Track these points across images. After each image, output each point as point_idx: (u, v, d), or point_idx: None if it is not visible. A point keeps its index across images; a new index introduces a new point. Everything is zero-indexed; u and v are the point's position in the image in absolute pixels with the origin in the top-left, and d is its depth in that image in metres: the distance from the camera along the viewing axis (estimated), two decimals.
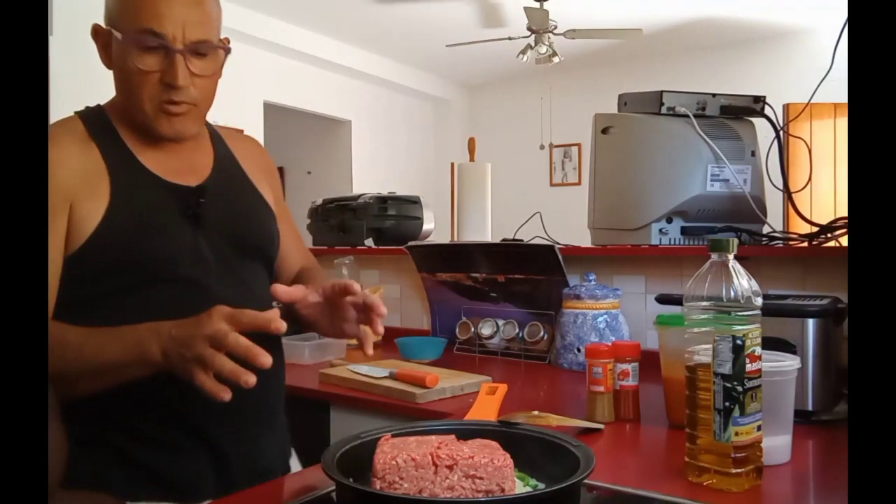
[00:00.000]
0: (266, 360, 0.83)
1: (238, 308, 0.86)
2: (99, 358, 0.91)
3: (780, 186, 1.72)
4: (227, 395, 0.82)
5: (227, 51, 1.06)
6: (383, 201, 2.41)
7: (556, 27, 5.07)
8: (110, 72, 1.06)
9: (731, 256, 0.90)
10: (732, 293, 0.87)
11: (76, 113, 1.09)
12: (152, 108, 1.01)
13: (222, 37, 1.07)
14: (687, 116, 1.67)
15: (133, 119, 1.05)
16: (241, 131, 1.30)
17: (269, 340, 0.91)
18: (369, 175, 6.39)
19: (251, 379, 0.82)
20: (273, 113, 5.59)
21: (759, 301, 0.88)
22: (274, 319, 0.85)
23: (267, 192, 1.18)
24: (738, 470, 0.86)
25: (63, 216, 0.96)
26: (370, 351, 1.00)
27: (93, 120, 1.06)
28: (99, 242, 0.97)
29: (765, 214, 1.74)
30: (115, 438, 0.99)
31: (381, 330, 1.00)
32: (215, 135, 1.18)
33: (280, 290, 0.98)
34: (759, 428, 0.87)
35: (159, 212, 1.02)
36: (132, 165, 1.03)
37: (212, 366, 0.82)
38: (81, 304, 0.97)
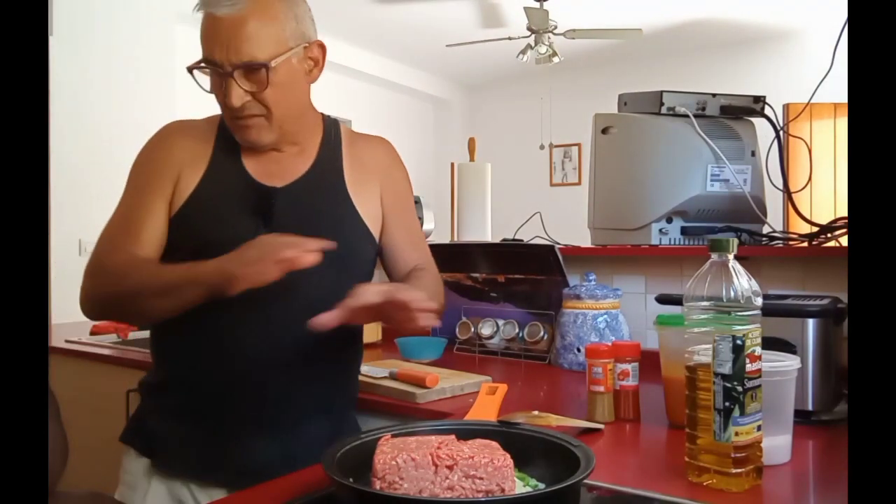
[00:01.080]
0: (309, 257, 0.96)
1: (282, 312, 1.07)
2: (163, 278, 1.05)
3: (780, 186, 1.72)
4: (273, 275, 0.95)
5: (308, 58, 1.13)
6: None
7: (556, 27, 5.07)
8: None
9: (731, 256, 0.90)
10: (732, 293, 0.87)
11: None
12: (230, 123, 1.12)
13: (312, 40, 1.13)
14: (687, 116, 1.67)
15: None
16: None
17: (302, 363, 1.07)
18: None
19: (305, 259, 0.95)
20: None
21: (759, 301, 0.88)
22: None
23: (370, 198, 1.20)
24: (738, 470, 0.86)
25: (171, 184, 1.13)
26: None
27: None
28: (180, 217, 1.13)
29: (765, 214, 1.74)
30: (146, 404, 1.19)
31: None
32: (331, 140, 1.22)
33: (315, 322, 0.97)
34: (759, 428, 0.87)
35: (233, 204, 1.12)
36: (231, 160, 1.15)
37: (270, 253, 0.95)
38: None
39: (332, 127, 1.26)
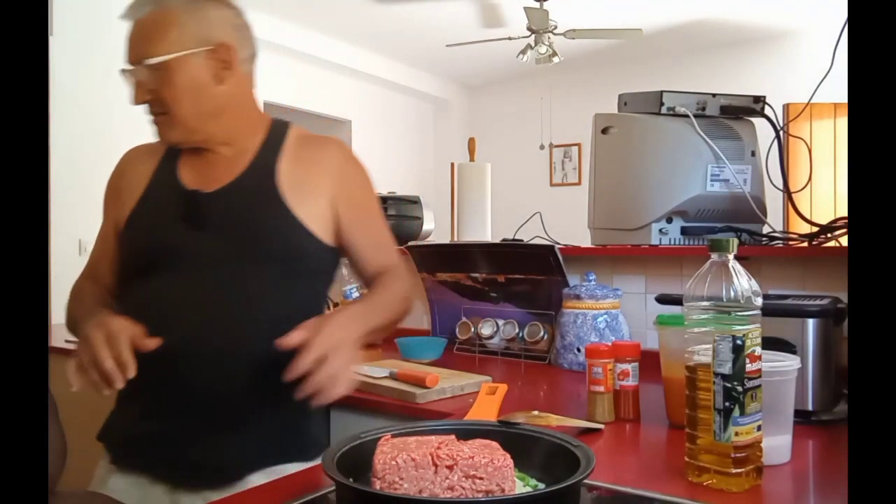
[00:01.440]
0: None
1: (222, 315, 1.08)
2: (77, 314, 1.13)
3: (780, 186, 1.72)
4: (75, 386, 0.99)
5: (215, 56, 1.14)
6: (383, 201, 2.41)
7: (556, 27, 5.07)
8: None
9: (731, 256, 0.90)
10: (732, 293, 0.87)
11: None
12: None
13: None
14: (687, 116, 1.67)
15: None
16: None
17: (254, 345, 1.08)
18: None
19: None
20: (273, 113, 5.47)
21: (759, 301, 0.88)
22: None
23: (315, 199, 1.19)
24: (738, 470, 0.86)
25: (116, 209, 1.22)
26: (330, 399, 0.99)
27: None
28: (122, 235, 1.20)
29: (765, 214, 1.74)
30: (117, 405, 1.20)
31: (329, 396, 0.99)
32: (272, 142, 1.22)
33: (282, 343, 0.98)
34: (759, 428, 0.87)
35: (165, 212, 1.16)
36: (168, 173, 1.21)
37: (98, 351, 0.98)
38: (119, 286, 1.23)
39: (278, 129, 1.26)
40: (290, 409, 1.16)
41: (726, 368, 0.86)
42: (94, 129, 3.74)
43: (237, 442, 1.10)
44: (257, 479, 1.09)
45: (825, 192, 4.93)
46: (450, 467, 0.72)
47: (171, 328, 1.07)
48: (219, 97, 1.16)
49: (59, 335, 2.16)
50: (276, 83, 5.56)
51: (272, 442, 1.12)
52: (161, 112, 1.14)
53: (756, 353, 0.86)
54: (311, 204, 1.18)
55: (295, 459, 1.13)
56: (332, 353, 0.96)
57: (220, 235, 1.13)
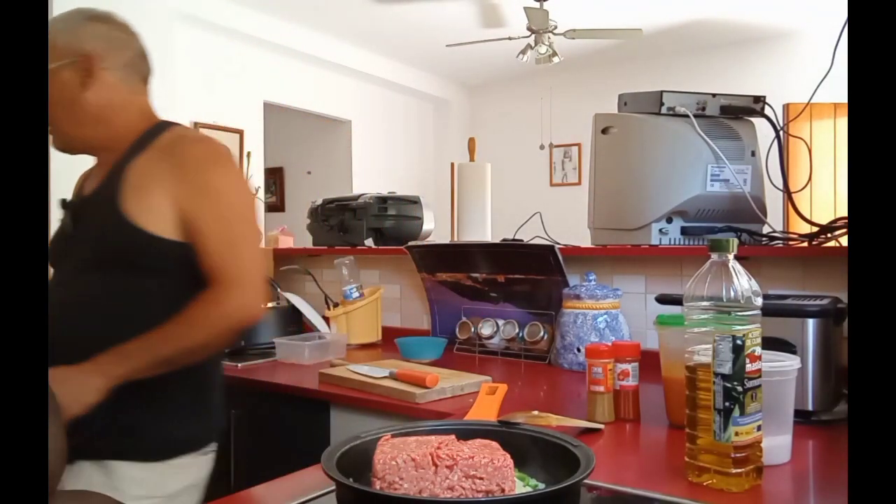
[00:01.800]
0: None
1: (61, 304, 1.13)
2: None
3: (780, 186, 1.72)
4: None
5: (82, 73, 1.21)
6: (383, 201, 2.42)
7: (556, 27, 5.07)
8: None
9: (731, 256, 0.90)
10: (732, 293, 0.87)
11: None
12: None
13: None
14: (687, 116, 1.67)
15: None
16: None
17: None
18: (369, 175, 6.38)
19: None
20: (273, 113, 5.59)
21: (759, 301, 0.88)
22: None
23: (160, 200, 1.18)
24: (738, 470, 0.86)
25: None
26: None
27: None
28: None
29: (765, 214, 1.74)
30: None
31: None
32: (136, 145, 1.24)
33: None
34: (759, 428, 0.88)
35: (63, 220, 1.29)
36: (81, 183, 1.35)
37: None
38: None
39: (153, 131, 1.26)
40: (125, 409, 1.15)
41: (726, 368, 0.86)
42: None
43: (68, 427, 1.09)
44: (90, 470, 1.13)
45: (825, 192, 4.93)
46: (450, 467, 0.72)
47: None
48: (88, 104, 1.23)
49: None
50: (276, 83, 5.56)
51: (103, 437, 1.13)
52: (50, 123, 1.23)
53: (756, 353, 0.86)
54: (147, 200, 1.18)
55: (133, 459, 1.15)
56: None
57: (78, 239, 1.23)
